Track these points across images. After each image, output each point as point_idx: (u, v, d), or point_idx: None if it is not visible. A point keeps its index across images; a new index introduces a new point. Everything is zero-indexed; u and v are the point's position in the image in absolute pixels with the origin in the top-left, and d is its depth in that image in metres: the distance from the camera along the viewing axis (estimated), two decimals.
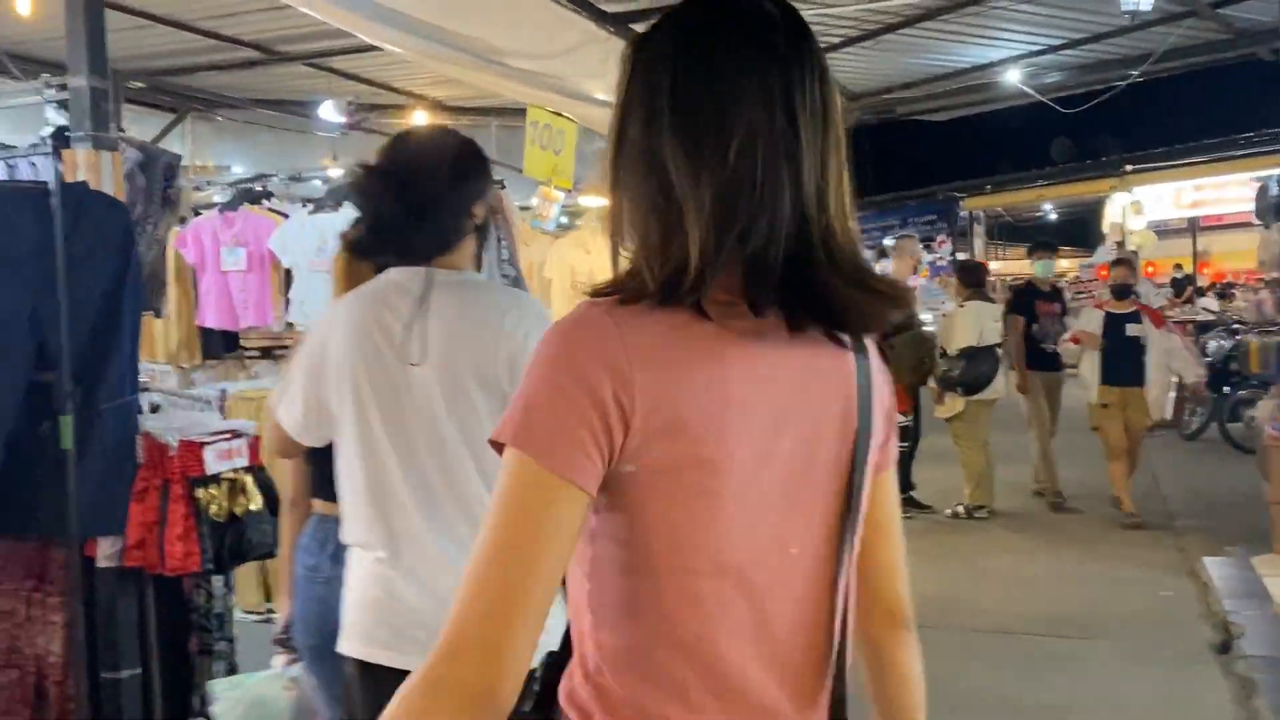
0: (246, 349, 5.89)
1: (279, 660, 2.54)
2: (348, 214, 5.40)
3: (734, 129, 1.01)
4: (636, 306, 1.01)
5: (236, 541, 3.40)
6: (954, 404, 7.46)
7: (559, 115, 6.44)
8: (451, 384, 1.99)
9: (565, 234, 7.03)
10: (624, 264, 1.07)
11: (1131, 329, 7.33)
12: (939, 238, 22.39)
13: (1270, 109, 13.81)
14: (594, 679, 1.04)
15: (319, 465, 2.28)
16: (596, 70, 6.85)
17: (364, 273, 2.15)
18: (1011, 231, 31.85)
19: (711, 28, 1.07)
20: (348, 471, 2.05)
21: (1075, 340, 7.50)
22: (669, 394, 0.98)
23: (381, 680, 1.88)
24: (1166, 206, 20.56)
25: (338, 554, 2.18)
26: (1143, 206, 19.08)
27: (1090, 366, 7.38)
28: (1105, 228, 24.09)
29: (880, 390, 1.13)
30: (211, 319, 5.56)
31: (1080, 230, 29.92)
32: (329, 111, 6.05)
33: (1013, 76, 9.68)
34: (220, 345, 5.75)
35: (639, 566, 1.02)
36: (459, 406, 1.98)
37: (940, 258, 20.68)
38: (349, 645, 2.03)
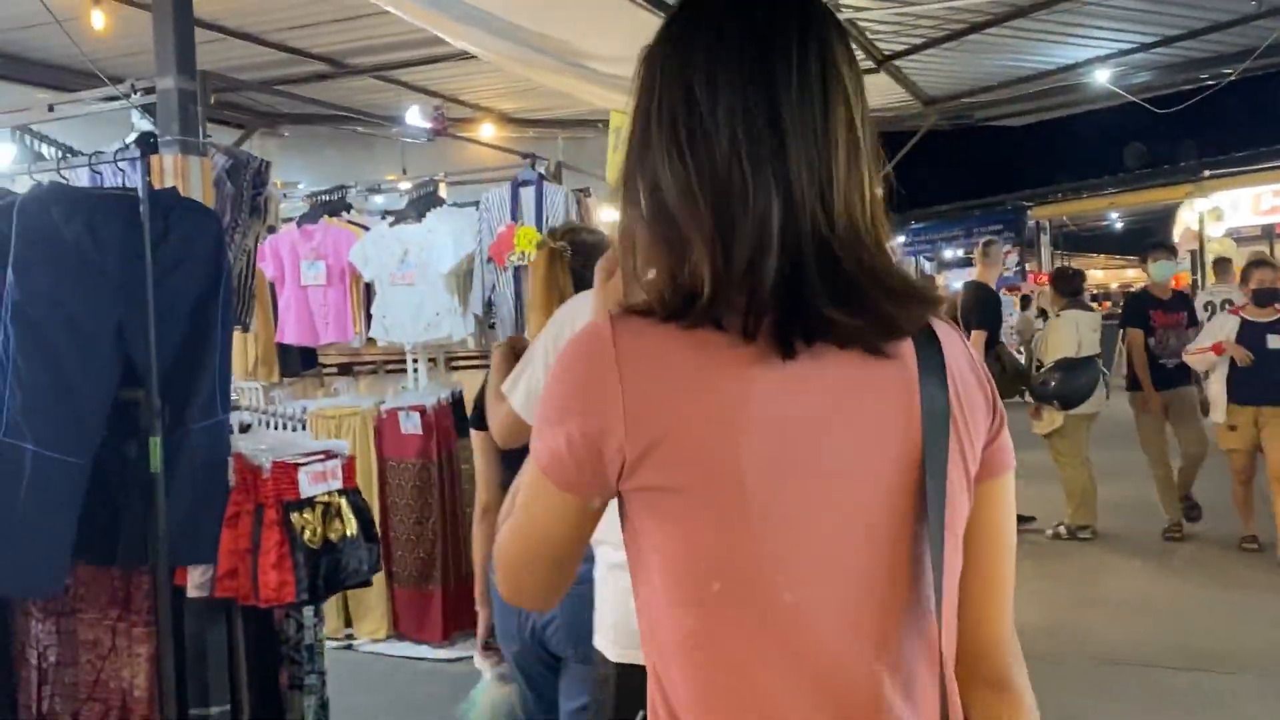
0: (325, 365, 5.72)
1: (487, 664, 2.60)
2: (431, 224, 5.23)
3: (718, 137, 0.96)
4: (653, 323, 0.97)
5: (332, 569, 3.19)
6: (1052, 418, 7.07)
7: None
8: None
9: None
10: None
11: (1273, 340, 6.46)
12: (1005, 248, 21.98)
13: None
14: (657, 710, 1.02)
15: (510, 469, 2.19)
16: None
17: (563, 276, 2.30)
18: (1077, 241, 31.17)
19: (694, 24, 1.01)
20: None
21: (1217, 351, 6.57)
22: (669, 412, 0.94)
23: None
24: (1244, 213, 19.83)
25: None
26: (1222, 213, 18.50)
27: (1219, 381, 6.65)
28: (1176, 236, 23.47)
29: (965, 386, 1.03)
30: (291, 334, 5.39)
31: (1145, 239, 29.21)
32: (415, 117, 5.86)
33: (1101, 77, 9.30)
34: (299, 362, 5.59)
35: (665, 590, 0.98)
36: None
37: (1006, 268, 20.14)
38: (613, 650, 1.94)
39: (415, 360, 5.38)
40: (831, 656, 0.96)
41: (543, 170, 5.25)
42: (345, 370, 5.74)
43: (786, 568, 0.95)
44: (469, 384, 5.62)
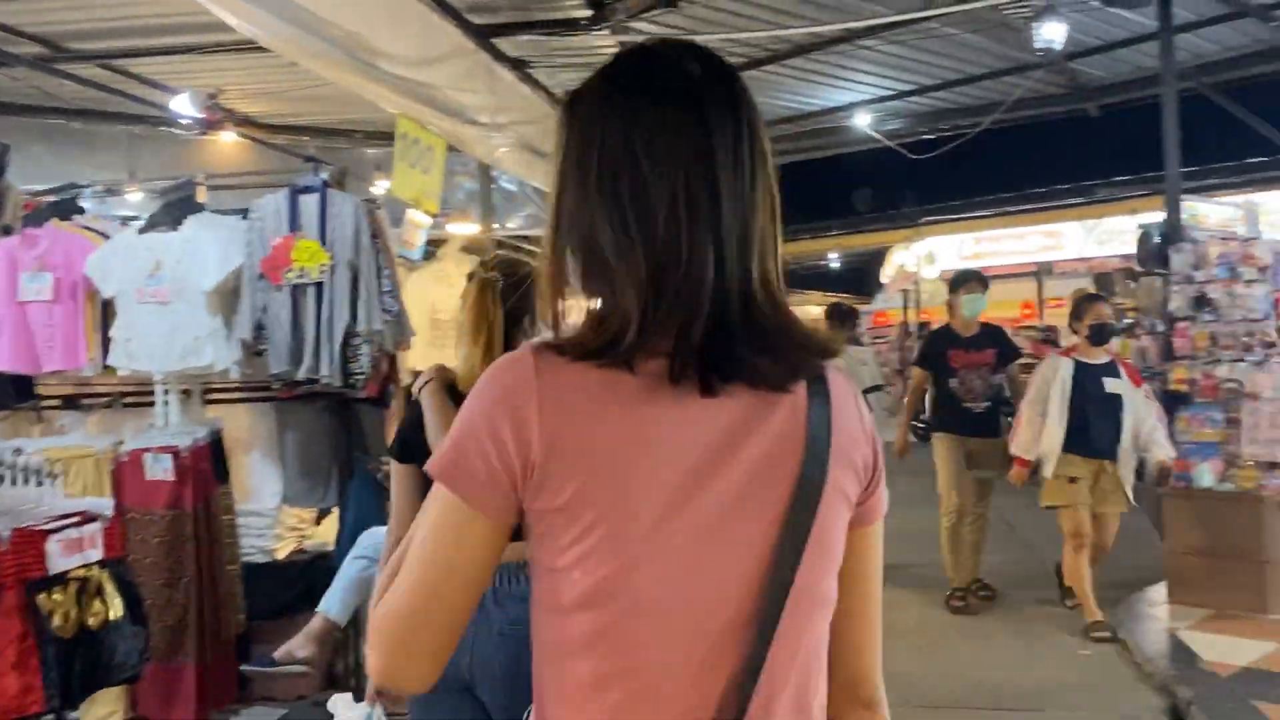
0: (45, 397, 4.76)
1: (366, 710, 2.51)
2: (191, 233, 4.46)
3: (658, 199, 1.06)
4: (570, 360, 1.06)
5: (91, 665, 2.48)
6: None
7: (427, 130, 5.68)
8: None
9: (425, 265, 6.22)
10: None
11: (1110, 384, 5.80)
12: None
13: (1082, 162, 14.55)
14: (543, 713, 1.11)
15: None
16: (465, 84, 6.16)
17: (493, 307, 2.24)
18: (796, 279, 32.90)
19: (634, 90, 1.10)
20: None
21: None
22: (575, 439, 1.04)
23: None
24: (951, 257, 21.48)
25: None
26: (935, 256, 19.97)
27: (1053, 430, 5.79)
28: (884, 277, 25.22)
29: (846, 436, 1.13)
30: (4, 360, 4.43)
31: (859, 278, 31.34)
32: (184, 106, 5.03)
33: (862, 120, 9.62)
34: (11, 393, 4.61)
35: (557, 603, 1.08)
36: None
37: None
38: None
39: (166, 392, 4.56)
40: (698, 672, 1.06)
41: (326, 176, 4.62)
42: (71, 403, 4.81)
43: (660, 593, 1.05)
44: (231, 421, 4.85)
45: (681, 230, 1.06)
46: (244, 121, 9.37)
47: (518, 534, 1.20)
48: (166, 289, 4.45)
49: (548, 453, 1.04)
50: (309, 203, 4.56)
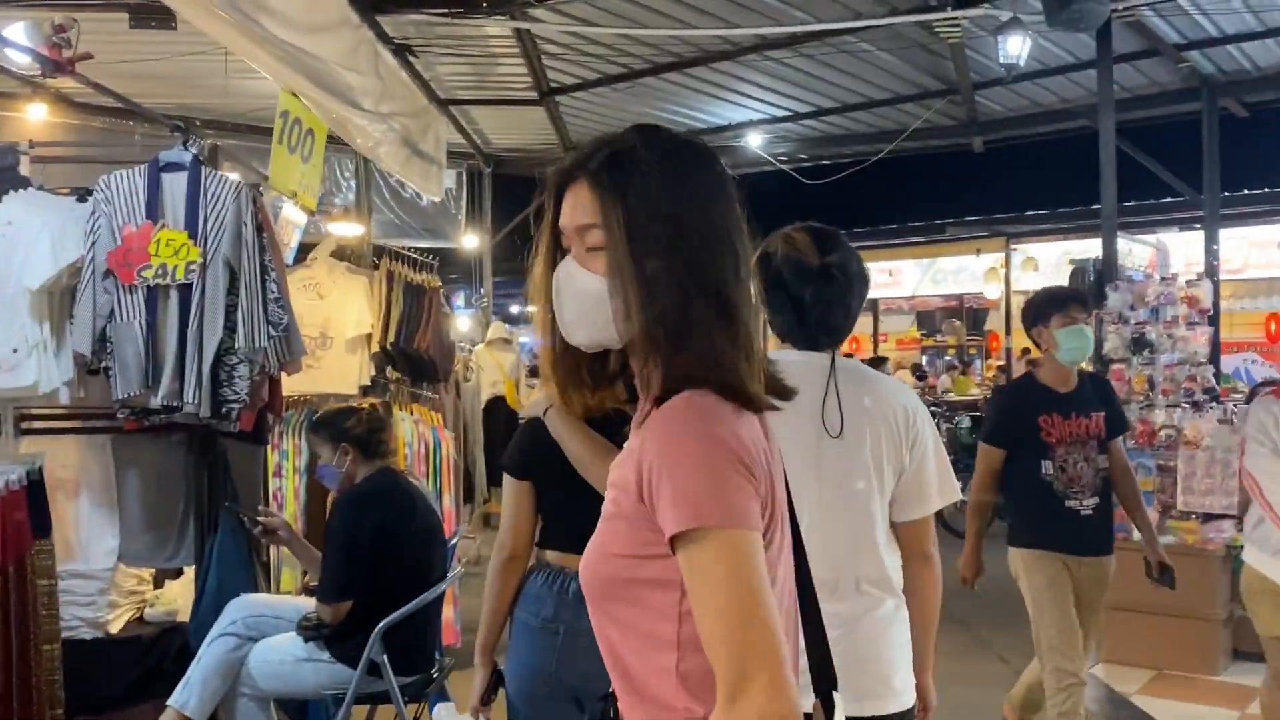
0: None
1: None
2: (12, 214, 3.42)
3: (735, 256, 1.24)
4: (718, 396, 1.22)
5: None
6: None
7: (309, 111, 4.76)
8: (861, 453, 2.20)
9: (293, 271, 5.25)
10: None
11: None
12: None
13: (975, 195, 14.60)
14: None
15: (557, 517, 2.50)
16: (350, 61, 5.27)
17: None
18: None
19: (699, 164, 1.26)
20: None
21: None
22: (763, 455, 1.24)
23: None
24: None
25: (577, 605, 2.23)
26: None
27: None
28: None
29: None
30: None
31: None
32: (21, 37, 3.93)
33: (753, 141, 9.15)
34: None
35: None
36: (865, 473, 2.20)
37: None
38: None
39: None
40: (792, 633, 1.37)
41: (197, 150, 3.66)
42: None
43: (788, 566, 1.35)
44: (55, 457, 3.79)
45: (753, 293, 1.27)
46: (56, 96, 8.06)
47: None
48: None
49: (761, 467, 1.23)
50: (174, 184, 3.60)
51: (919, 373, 16.69)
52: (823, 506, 2.15)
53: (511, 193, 11.05)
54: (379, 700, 3.61)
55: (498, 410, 9.43)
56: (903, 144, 9.18)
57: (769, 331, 2.35)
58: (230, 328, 3.54)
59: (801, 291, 2.19)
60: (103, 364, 3.56)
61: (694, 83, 8.00)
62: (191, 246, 3.53)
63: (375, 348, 5.52)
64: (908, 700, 2.20)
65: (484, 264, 10.31)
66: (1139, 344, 5.74)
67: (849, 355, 2.61)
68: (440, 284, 5.93)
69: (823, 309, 2.20)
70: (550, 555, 2.48)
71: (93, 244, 3.53)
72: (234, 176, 3.67)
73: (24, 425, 3.82)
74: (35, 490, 3.57)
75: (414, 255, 5.80)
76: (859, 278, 2.24)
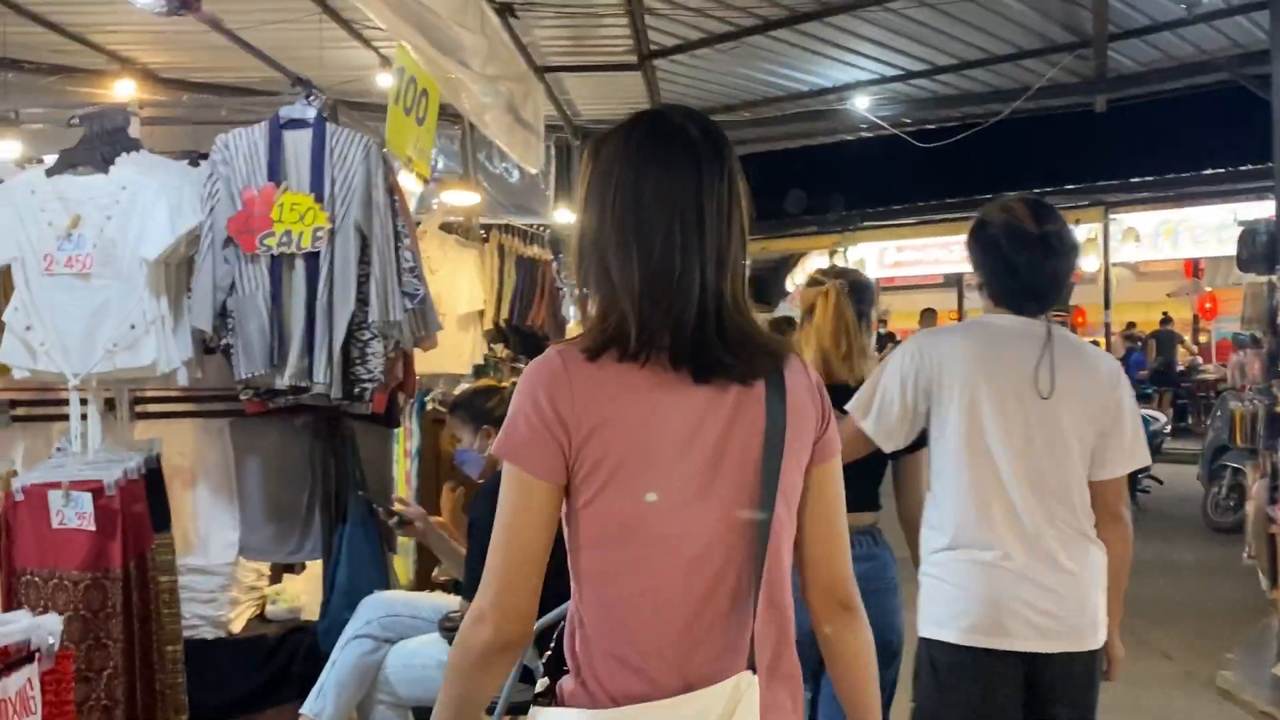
0: None
1: None
2: (126, 178, 3.12)
3: (656, 230, 1.35)
4: (587, 357, 1.35)
5: None
6: None
7: (423, 70, 4.41)
8: (1070, 414, 2.29)
9: None
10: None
11: None
12: None
13: (1088, 161, 13.88)
14: (578, 630, 1.40)
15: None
16: (459, 18, 4.91)
17: (849, 312, 2.82)
18: None
19: (648, 143, 1.39)
20: (952, 480, 2.32)
21: None
22: (601, 409, 1.33)
23: (993, 665, 2.24)
24: (872, 266, 20.96)
25: None
26: (865, 263, 19.33)
27: None
28: (790, 284, 24.57)
29: (799, 405, 1.42)
30: None
31: (761, 285, 30.82)
32: None
33: (860, 104, 8.66)
34: None
35: (597, 539, 1.37)
36: (1074, 433, 2.30)
37: None
38: (953, 633, 2.27)
39: (84, 402, 3.18)
40: (707, 590, 1.37)
41: (320, 106, 3.33)
42: None
43: (675, 522, 1.36)
44: (172, 443, 3.50)
45: (675, 255, 1.34)
46: (145, 74, 7.84)
47: (868, 503, 2.58)
48: (89, 256, 3.10)
49: (583, 420, 1.33)
50: (298, 142, 3.27)
51: None
52: (1035, 460, 2.27)
53: None
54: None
55: None
56: (1019, 105, 8.63)
57: (982, 294, 2.45)
58: (363, 300, 3.21)
59: (1019, 258, 2.31)
60: (223, 341, 3.26)
61: (803, 39, 7.52)
62: (319, 211, 3.20)
63: (488, 324, 5.20)
64: (1103, 639, 2.33)
65: (573, 240, 9.94)
66: None
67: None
68: (553, 257, 5.58)
69: (1039, 275, 2.32)
70: None
71: (211, 209, 3.22)
72: (362, 134, 3.32)
73: (139, 409, 3.53)
74: (154, 480, 3.29)
75: (526, 228, 5.46)
76: (1073, 248, 2.40)
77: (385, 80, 7.53)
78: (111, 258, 3.12)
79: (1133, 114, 9.26)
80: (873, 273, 19.87)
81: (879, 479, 2.77)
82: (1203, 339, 18.88)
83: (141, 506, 3.21)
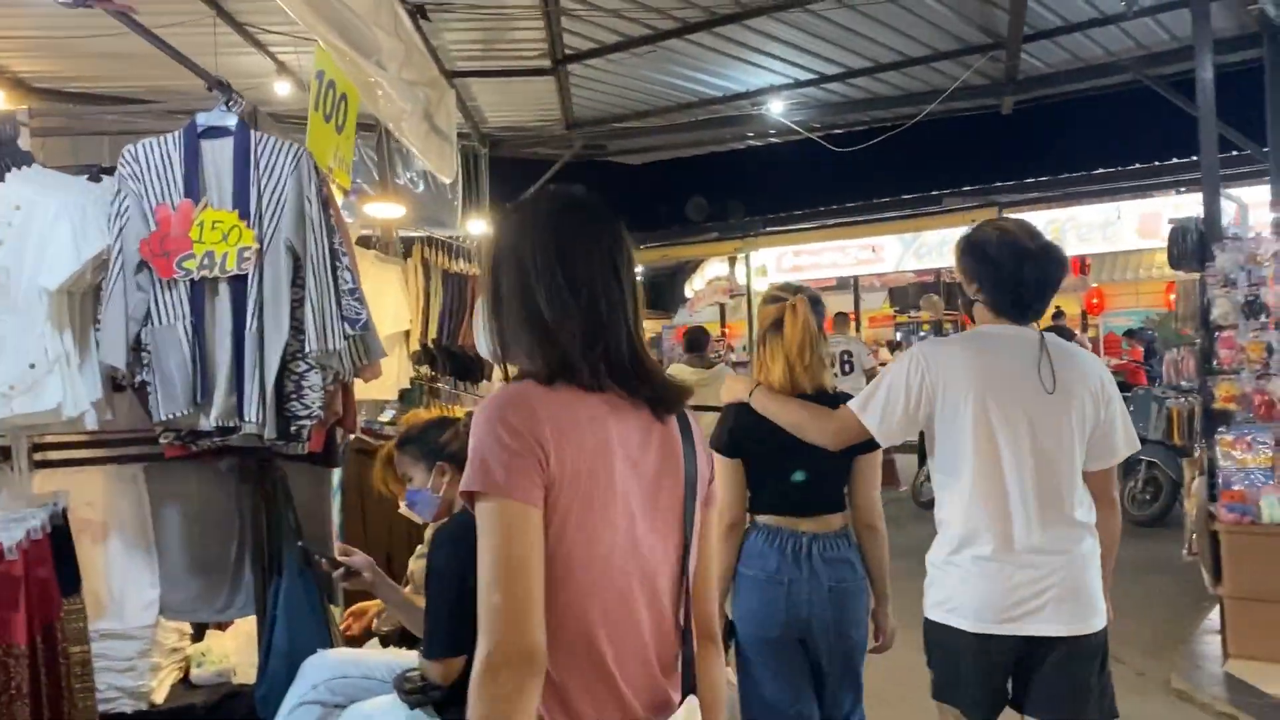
0: None
1: None
2: (21, 197, 2.74)
3: (587, 284, 1.49)
4: (544, 385, 1.45)
5: None
6: None
7: (342, 74, 4.09)
8: (1071, 411, 2.49)
9: None
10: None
11: None
12: None
13: (987, 163, 14.04)
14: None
15: (765, 486, 2.86)
16: (376, 18, 4.61)
17: (815, 328, 2.91)
18: None
19: (565, 211, 1.55)
20: (962, 478, 2.50)
21: None
22: (567, 431, 1.40)
23: (992, 647, 2.44)
24: (772, 271, 21.07)
25: (796, 559, 2.77)
26: (766, 269, 19.40)
27: None
28: (690, 291, 24.55)
29: (700, 447, 1.59)
30: None
31: (657, 292, 30.79)
32: None
33: (775, 108, 8.54)
34: None
35: (563, 571, 1.39)
36: (1075, 429, 2.49)
37: None
38: (958, 618, 2.46)
39: None
40: (652, 609, 1.48)
41: (242, 111, 2.98)
42: None
43: (634, 551, 1.46)
44: (81, 493, 3.09)
45: (602, 302, 1.48)
46: (14, 83, 7.25)
47: (838, 505, 2.84)
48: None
49: (555, 444, 1.38)
50: (218, 152, 2.92)
51: (893, 348, 16.26)
52: (1040, 453, 2.45)
53: (506, 176, 10.36)
54: None
55: None
56: (921, 109, 8.63)
57: (977, 306, 2.61)
58: (297, 327, 2.87)
59: (1020, 271, 2.49)
60: (138, 378, 2.89)
61: (720, 43, 7.35)
62: (244, 229, 2.86)
63: (414, 345, 4.87)
64: (1105, 621, 2.51)
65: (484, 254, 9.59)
66: (1253, 308, 5.23)
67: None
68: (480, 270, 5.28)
69: (1038, 285, 2.51)
70: (764, 518, 2.86)
71: (120, 230, 2.84)
72: (291, 142, 2.98)
73: (38, 456, 3.12)
74: (60, 538, 2.90)
75: (449, 240, 5.14)
76: (1062, 260, 2.57)
77: (284, 88, 7.14)
78: (5, 289, 2.72)
79: (1035, 116, 9.36)
80: (772, 277, 19.98)
81: (844, 482, 2.91)
82: (1090, 334, 19.49)
83: (47, 570, 2.82)
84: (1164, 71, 7.75)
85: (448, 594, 2.82)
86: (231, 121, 2.94)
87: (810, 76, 8.20)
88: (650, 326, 28.16)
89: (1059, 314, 17.71)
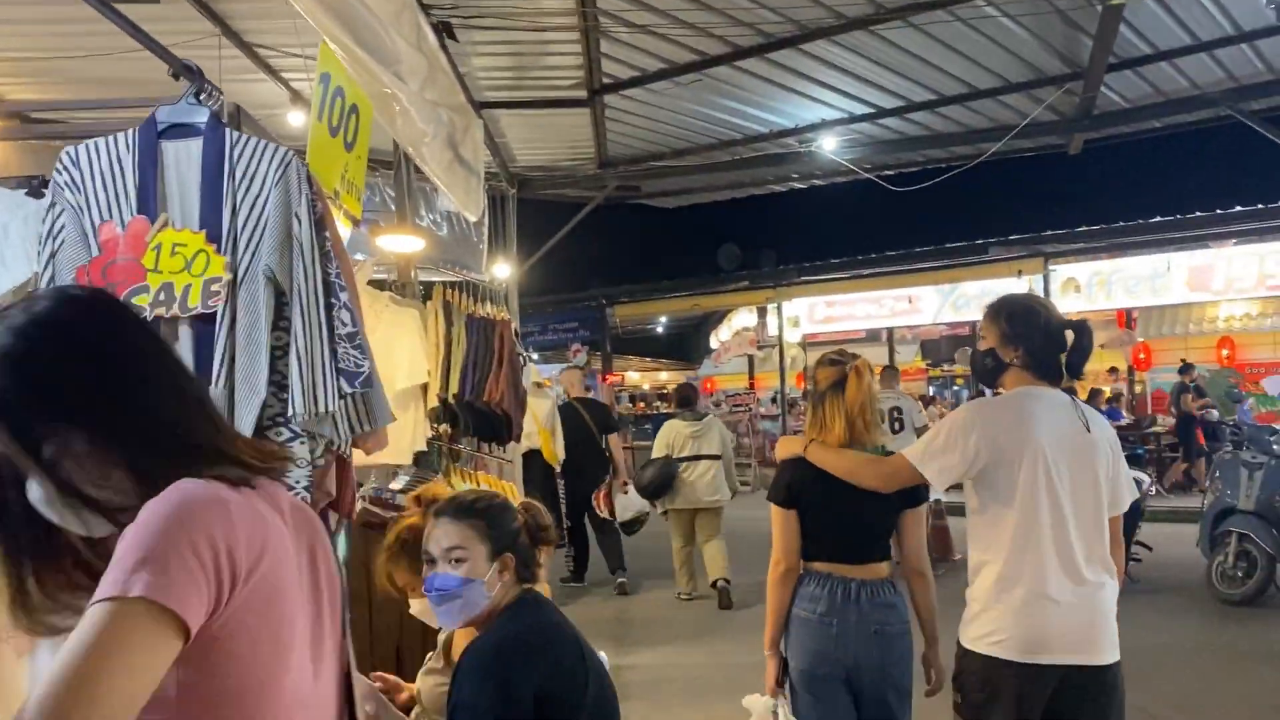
0: None
1: (763, 702, 3.04)
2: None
3: (169, 386, 1.25)
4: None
5: None
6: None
7: (352, 80, 3.46)
8: (1100, 463, 2.74)
9: None
10: None
11: None
12: (574, 346, 20.78)
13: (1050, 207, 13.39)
14: None
15: (818, 535, 3.02)
16: (396, 25, 4.01)
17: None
18: (621, 344, 31.31)
19: (134, 327, 1.28)
20: (1004, 520, 2.71)
21: None
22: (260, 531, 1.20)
23: (1041, 675, 2.62)
24: (805, 322, 20.44)
25: (845, 603, 2.95)
26: (799, 319, 18.76)
27: None
28: (715, 342, 23.89)
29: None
30: None
31: (685, 344, 30.13)
32: None
33: (827, 145, 7.90)
34: None
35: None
36: (1103, 478, 2.74)
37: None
38: (1001, 649, 2.65)
39: None
40: None
41: (215, 105, 2.32)
42: None
43: (313, 688, 1.26)
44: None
45: (188, 402, 1.27)
46: (8, 114, 6.69)
47: (885, 554, 3.03)
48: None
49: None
50: (183, 156, 2.26)
51: (927, 402, 15.54)
52: (1080, 501, 2.70)
53: (533, 219, 9.75)
54: None
55: (533, 465, 8.10)
56: (982, 147, 7.98)
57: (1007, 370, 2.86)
58: (279, 383, 2.19)
59: (1074, 340, 2.79)
60: None
61: (772, 70, 6.74)
62: (212, 254, 2.19)
63: (433, 401, 4.19)
64: (1116, 656, 2.72)
65: (511, 299, 8.96)
66: None
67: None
68: (510, 316, 4.60)
69: (1082, 354, 2.80)
70: (818, 565, 3.02)
71: (52, 256, 2.18)
72: (275, 143, 2.32)
73: None
74: None
75: (475, 281, 4.48)
76: (1092, 332, 2.86)
77: (298, 119, 6.57)
78: None
79: (1100, 156, 8.70)
80: (805, 329, 19.32)
81: (891, 533, 3.07)
82: (1138, 389, 18.67)
83: None
84: (1254, 106, 7.09)
85: None
86: (201, 118, 2.28)
87: (866, 110, 7.56)
88: (673, 378, 27.54)
89: (1114, 371, 17.00)
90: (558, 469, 8.29)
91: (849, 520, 2.99)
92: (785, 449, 3.16)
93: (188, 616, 1.05)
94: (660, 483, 7.67)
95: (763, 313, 19.37)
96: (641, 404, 25.60)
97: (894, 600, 2.99)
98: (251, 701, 1.14)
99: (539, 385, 8.64)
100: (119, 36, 5.26)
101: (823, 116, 7.71)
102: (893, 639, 2.95)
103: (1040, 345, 2.77)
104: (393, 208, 7.15)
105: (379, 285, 4.49)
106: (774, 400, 20.38)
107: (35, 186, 2.46)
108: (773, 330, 19.16)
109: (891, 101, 7.42)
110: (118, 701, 1.00)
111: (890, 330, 20.75)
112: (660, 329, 28.42)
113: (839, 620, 2.93)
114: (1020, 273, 14.72)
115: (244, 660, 1.13)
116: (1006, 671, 2.62)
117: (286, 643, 1.18)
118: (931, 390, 20.61)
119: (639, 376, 35.81)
